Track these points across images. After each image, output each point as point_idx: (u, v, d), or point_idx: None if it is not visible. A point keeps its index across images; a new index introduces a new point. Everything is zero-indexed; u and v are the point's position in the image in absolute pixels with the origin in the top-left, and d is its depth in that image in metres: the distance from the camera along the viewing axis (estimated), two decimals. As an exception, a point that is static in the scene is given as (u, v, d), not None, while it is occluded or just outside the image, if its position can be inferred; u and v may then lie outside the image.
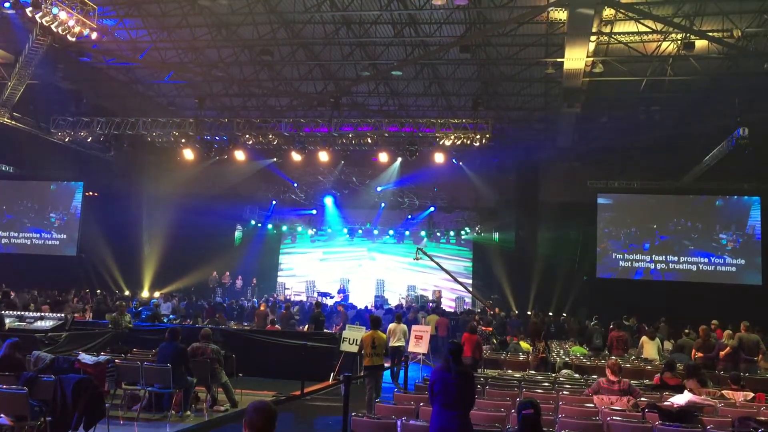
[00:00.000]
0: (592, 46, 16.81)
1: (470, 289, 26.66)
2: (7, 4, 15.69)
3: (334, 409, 10.94)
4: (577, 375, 12.04)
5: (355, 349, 13.70)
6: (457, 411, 6.47)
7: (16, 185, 29.30)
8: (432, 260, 24.50)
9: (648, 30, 17.33)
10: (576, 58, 16.68)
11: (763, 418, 7.60)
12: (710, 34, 16.96)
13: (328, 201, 29.07)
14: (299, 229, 30.84)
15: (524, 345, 15.98)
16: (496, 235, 28.47)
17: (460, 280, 26.33)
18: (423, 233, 29.19)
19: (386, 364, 12.55)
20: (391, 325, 15.30)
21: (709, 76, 19.06)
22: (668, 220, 25.38)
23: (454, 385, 6.52)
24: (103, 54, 21.16)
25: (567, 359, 14.25)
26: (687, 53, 17.44)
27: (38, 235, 28.69)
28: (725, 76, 19.34)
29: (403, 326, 15.48)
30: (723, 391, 9.42)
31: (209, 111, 24.52)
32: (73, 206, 28.69)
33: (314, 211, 29.65)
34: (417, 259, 24.51)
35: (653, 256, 25.14)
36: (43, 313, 15.06)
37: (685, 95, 21.15)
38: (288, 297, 27.40)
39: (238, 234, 30.98)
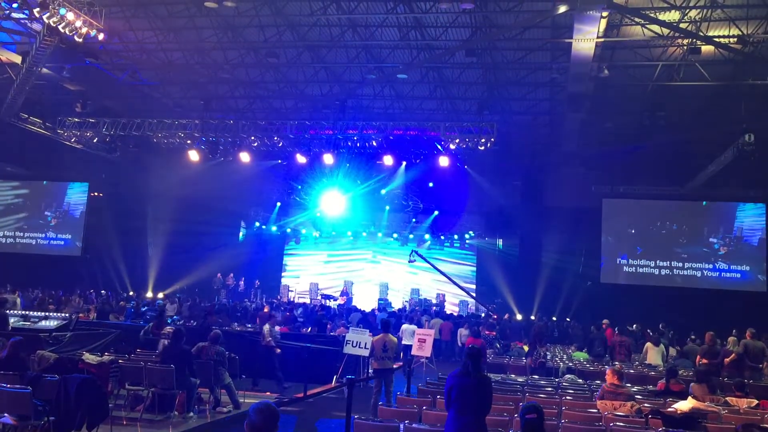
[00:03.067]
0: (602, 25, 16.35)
1: (470, 292, 26.63)
2: (15, 5, 15.75)
3: (337, 411, 10.94)
4: (580, 380, 12.01)
5: (358, 351, 13.72)
6: (473, 417, 6.39)
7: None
8: (427, 262, 24.51)
9: (654, 35, 17.31)
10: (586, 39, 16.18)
11: (766, 425, 7.56)
12: (716, 39, 16.94)
13: (332, 203, 29.04)
14: (303, 231, 30.85)
15: (527, 349, 15.97)
16: (501, 240, 28.43)
17: (461, 283, 26.30)
18: (427, 236, 29.16)
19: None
20: (404, 326, 16.67)
21: (715, 82, 19.02)
22: (672, 225, 25.34)
23: (474, 391, 6.45)
24: (110, 55, 21.23)
25: (570, 364, 14.22)
26: (693, 59, 17.41)
27: (43, 235, 28.79)
28: (731, 81, 19.29)
29: (414, 327, 16.01)
30: (727, 398, 9.39)
31: (215, 112, 24.57)
32: (66, 203, 28.76)
33: (318, 214, 29.64)
34: (411, 261, 24.48)
35: (657, 261, 25.09)
36: (47, 313, 15.08)
37: (691, 101, 21.11)
38: (291, 299, 27.41)
39: (242, 233, 31.04)
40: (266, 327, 13.74)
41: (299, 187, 29.00)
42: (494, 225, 28.37)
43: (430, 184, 27.52)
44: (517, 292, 25.81)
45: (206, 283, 27.64)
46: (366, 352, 13.93)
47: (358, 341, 13.79)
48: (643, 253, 25.31)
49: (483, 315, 24.43)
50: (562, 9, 15.01)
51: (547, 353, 15.27)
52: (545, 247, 25.93)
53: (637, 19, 16.45)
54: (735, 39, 17.05)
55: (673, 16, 16.73)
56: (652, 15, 16.35)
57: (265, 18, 18.93)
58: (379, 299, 27.43)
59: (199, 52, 21.28)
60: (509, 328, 20.72)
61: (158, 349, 13.12)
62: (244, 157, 23.55)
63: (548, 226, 25.81)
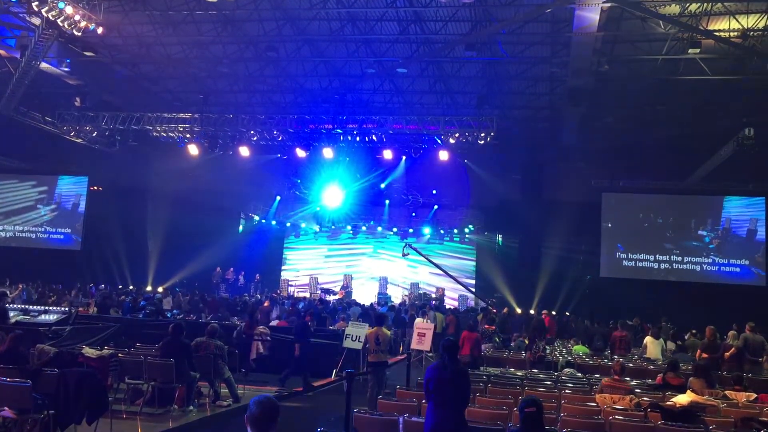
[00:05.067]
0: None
1: (467, 286, 26.69)
2: (13, -1, 15.73)
3: (337, 405, 10.95)
4: (579, 374, 12.03)
5: (357, 345, 13.74)
6: (451, 408, 6.46)
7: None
8: (420, 254, 24.56)
9: (654, 29, 17.28)
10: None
11: (765, 419, 7.58)
12: (717, 33, 16.91)
13: (332, 197, 29.06)
14: (303, 225, 30.85)
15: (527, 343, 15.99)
16: (500, 234, 28.44)
17: (460, 276, 26.37)
18: (427, 231, 29.14)
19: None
20: (417, 320, 16.86)
21: (715, 76, 18.99)
22: (671, 219, 25.36)
23: (449, 383, 6.50)
24: (109, 49, 21.17)
25: (570, 358, 14.24)
26: (693, 53, 17.37)
27: (42, 229, 28.79)
28: (731, 75, 19.25)
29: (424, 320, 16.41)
30: (726, 392, 9.40)
31: (214, 106, 24.54)
32: (57, 194, 28.76)
33: (318, 208, 29.67)
34: (405, 255, 24.51)
35: (657, 255, 25.10)
36: (47, 307, 15.12)
37: (691, 95, 21.08)
38: (291, 293, 27.43)
39: (242, 227, 31.07)
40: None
41: (299, 181, 29.03)
42: (494, 219, 28.38)
43: (434, 192, 27.66)
44: (516, 287, 25.80)
45: (206, 276, 27.67)
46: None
47: (358, 335, 13.82)
48: (642, 247, 25.29)
49: (479, 309, 24.44)
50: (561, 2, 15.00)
51: (546, 347, 15.31)
52: (545, 241, 25.90)
53: (637, 13, 16.40)
54: (735, 33, 17.02)
55: (673, 9, 16.70)
56: (652, 9, 16.32)
57: (264, 12, 18.86)
58: (379, 293, 27.46)
59: (198, 46, 21.23)
60: (509, 322, 20.71)
61: (251, 352, 13.13)
62: (244, 151, 23.54)
63: (548, 221, 25.74)
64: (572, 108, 20.27)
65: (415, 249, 24.50)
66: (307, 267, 30.59)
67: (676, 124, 22.61)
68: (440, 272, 26.40)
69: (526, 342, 16.46)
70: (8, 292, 20.17)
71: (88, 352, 10.15)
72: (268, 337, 13.67)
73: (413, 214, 29.29)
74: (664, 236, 25.29)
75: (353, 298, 26.29)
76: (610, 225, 25.70)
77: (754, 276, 24.05)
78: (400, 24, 19.07)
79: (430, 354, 17.00)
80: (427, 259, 24.97)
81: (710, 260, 24.65)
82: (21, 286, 21.70)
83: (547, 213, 25.75)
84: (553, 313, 21.72)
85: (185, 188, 26.56)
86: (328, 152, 23.00)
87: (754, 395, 9.26)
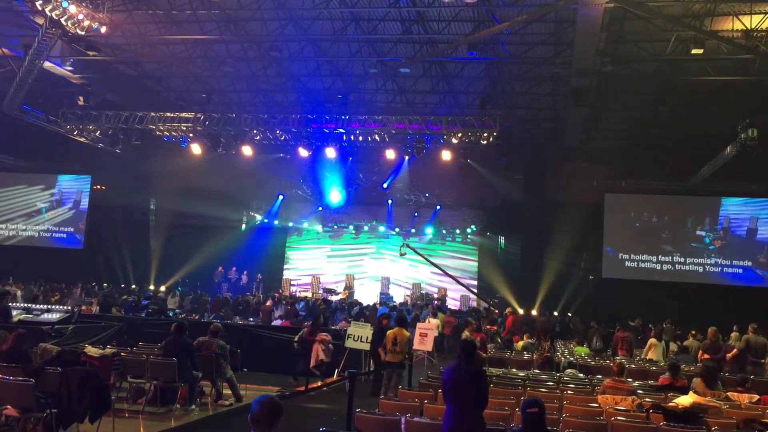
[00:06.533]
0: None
1: (468, 285, 26.68)
2: (17, -2, 15.76)
3: (339, 405, 10.96)
4: (581, 375, 12.02)
5: (359, 345, 13.73)
6: (469, 409, 6.45)
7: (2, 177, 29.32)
8: (418, 254, 24.59)
9: (657, 29, 17.26)
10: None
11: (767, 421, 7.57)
12: (720, 34, 16.88)
13: (335, 198, 29.08)
14: (305, 225, 30.86)
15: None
16: (503, 234, 28.41)
17: (462, 277, 26.35)
18: (430, 231, 29.11)
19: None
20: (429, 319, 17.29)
21: (718, 77, 18.95)
22: (674, 220, 25.31)
23: (467, 384, 6.51)
24: (112, 48, 21.19)
25: (572, 359, 14.24)
26: (696, 53, 17.33)
27: (45, 228, 28.84)
28: (734, 76, 19.21)
29: (437, 321, 16.47)
30: (728, 393, 9.39)
31: (217, 106, 24.55)
32: (57, 192, 28.80)
33: (320, 208, 29.68)
34: (402, 254, 24.54)
35: (659, 256, 25.06)
36: (49, 306, 15.14)
37: (694, 95, 21.04)
38: (293, 293, 27.44)
39: (244, 226, 31.10)
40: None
41: (301, 180, 29.05)
42: (496, 219, 28.35)
43: (428, 193, 27.63)
44: (519, 287, 25.78)
45: (208, 276, 27.70)
46: (367, 346, 13.95)
47: (360, 335, 13.82)
48: (645, 248, 25.25)
49: (482, 309, 24.43)
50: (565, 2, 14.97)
51: (553, 348, 15.27)
52: (547, 241, 25.86)
53: (640, 13, 16.39)
54: (739, 33, 16.98)
55: (676, 9, 16.67)
56: (656, 9, 16.29)
57: (267, 11, 18.88)
58: (381, 293, 27.46)
59: (201, 45, 21.25)
60: (512, 323, 20.68)
61: (311, 359, 13.05)
62: (247, 150, 23.55)
63: (550, 221, 25.71)
64: (575, 108, 20.22)
65: (413, 249, 24.51)
66: (310, 267, 30.57)
67: (680, 124, 22.55)
68: (441, 272, 26.40)
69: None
70: (19, 291, 20.21)
71: (91, 350, 10.17)
72: (330, 345, 13.52)
73: (416, 214, 29.27)
74: (666, 237, 25.26)
75: (355, 298, 26.31)
76: (612, 226, 25.65)
77: (759, 279, 23.96)
78: (403, 24, 19.07)
79: (433, 359, 16.99)
80: (425, 258, 24.98)
81: (712, 261, 24.60)
82: (22, 285, 21.72)
83: (550, 213, 25.71)
84: (508, 310, 21.27)
85: (188, 187, 26.58)
86: (330, 152, 23.00)
87: (757, 396, 9.26)
